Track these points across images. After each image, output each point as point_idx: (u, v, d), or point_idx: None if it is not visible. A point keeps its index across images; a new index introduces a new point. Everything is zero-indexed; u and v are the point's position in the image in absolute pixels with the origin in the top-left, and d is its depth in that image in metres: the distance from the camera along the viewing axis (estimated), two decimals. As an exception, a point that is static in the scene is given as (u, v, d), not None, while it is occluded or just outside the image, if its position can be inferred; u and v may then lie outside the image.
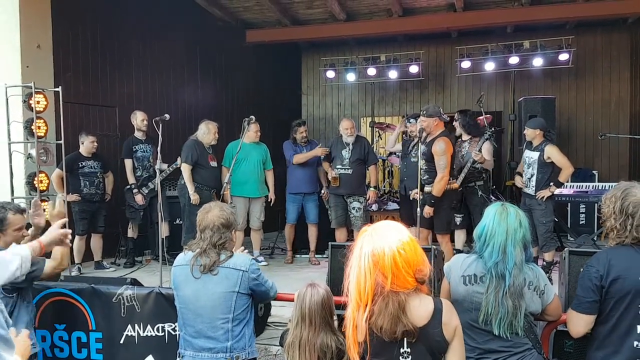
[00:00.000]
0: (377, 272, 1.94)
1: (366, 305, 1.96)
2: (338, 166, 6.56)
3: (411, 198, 5.69)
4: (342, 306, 2.46)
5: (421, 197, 5.34)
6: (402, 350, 1.97)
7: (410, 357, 1.97)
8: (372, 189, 6.76)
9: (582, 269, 2.65)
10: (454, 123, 6.37)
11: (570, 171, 5.70)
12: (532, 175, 5.77)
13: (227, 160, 6.53)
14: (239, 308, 2.81)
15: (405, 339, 1.96)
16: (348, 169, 6.53)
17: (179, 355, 2.91)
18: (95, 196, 6.40)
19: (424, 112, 5.56)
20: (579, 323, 2.52)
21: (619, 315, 2.41)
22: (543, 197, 5.64)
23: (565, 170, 5.63)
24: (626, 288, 2.38)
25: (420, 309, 1.97)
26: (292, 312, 2.76)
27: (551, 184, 5.66)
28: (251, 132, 6.42)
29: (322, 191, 6.99)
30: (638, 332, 2.39)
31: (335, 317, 2.74)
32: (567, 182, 5.89)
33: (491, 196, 6.28)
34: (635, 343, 2.39)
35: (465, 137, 6.26)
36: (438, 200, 5.35)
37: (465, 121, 6.28)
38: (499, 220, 2.49)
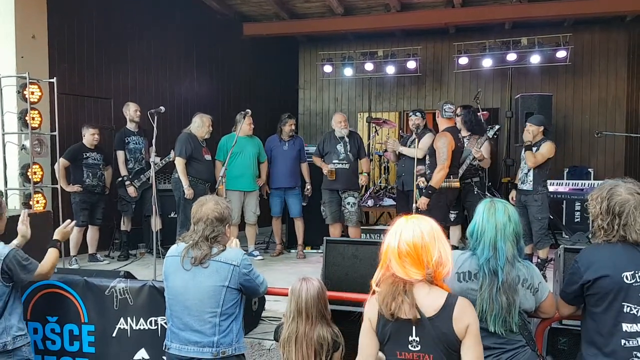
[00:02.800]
0: (388, 258, 2.10)
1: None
2: (335, 161, 6.55)
3: (416, 173, 5.74)
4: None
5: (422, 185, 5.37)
6: (410, 339, 2.05)
7: (419, 346, 2.05)
8: (364, 174, 6.78)
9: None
10: (456, 118, 6.30)
11: (530, 163, 5.64)
12: (529, 171, 5.74)
13: (221, 154, 6.51)
14: (227, 303, 2.78)
15: (414, 327, 2.04)
16: (345, 163, 6.52)
17: (165, 347, 2.89)
18: (97, 188, 6.39)
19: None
20: (564, 308, 2.64)
21: (602, 312, 2.41)
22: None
23: (531, 158, 5.61)
24: (609, 285, 2.38)
25: (428, 298, 2.06)
26: (287, 307, 2.75)
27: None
28: (245, 125, 6.39)
29: (307, 187, 6.94)
30: (624, 329, 2.37)
31: (329, 309, 2.74)
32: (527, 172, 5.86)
33: (487, 193, 6.25)
34: (623, 342, 2.37)
35: (464, 133, 6.21)
36: (435, 192, 5.33)
37: (468, 117, 6.23)
38: (488, 216, 2.50)
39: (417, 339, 2.05)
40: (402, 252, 2.06)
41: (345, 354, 2.74)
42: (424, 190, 5.51)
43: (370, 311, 2.15)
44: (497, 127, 6.34)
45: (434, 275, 2.08)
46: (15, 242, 3.27)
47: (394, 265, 2.08)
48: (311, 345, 2.58)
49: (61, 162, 5.98)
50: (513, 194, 6.04)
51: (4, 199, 3.13)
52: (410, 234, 2.08)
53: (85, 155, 6.30)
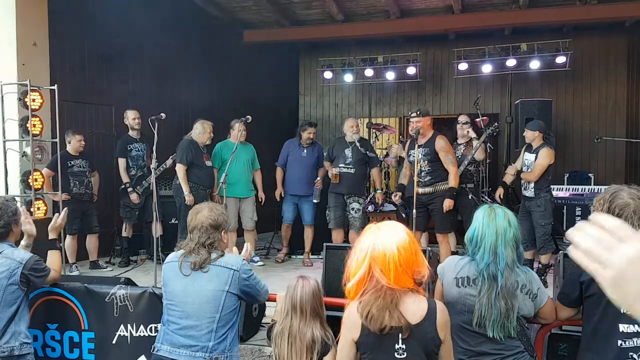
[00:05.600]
0: (375, 267, 2.00)
1: (357, 294, 2.06)
2: (341, 164, 6.51)
3: (393, 199, 5.83)
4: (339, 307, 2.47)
5: (401, 202, 5.45)
6: (397, 347, 2.03)
7: (405, 353, 2.03)
8: (379, 191, 6.81)
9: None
10: (459, 125, 6.39)
11: (531, 179, 5.65)
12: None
13: (216, 161, 6.53)
14: (227, 308, 2.78)
15: (399, 335, 2.01)
16: (351, 168, 6.49)
17: (153, 349, 2.84)
18: (85, 196, 6.31)
19: (418, 112, 5.60)
20: (562, 311, 2.67)
21: (600, 313, 2.43)
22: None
23: (530, 175, 5.63)
24: None
25: (414, 306, 2.03)
26: (281, 304, 2.75)
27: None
28: (243, 132, 6.37)
29: (316, 180, 6.82)
30: (620, 330, 2.39)
31: (324, 310, 2.74)
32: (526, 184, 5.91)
33: (484, 198, 6.28)
34: (620, 342, 2.38)
35: (460, 140, 6.29)
36: (440, 197, 5.46)
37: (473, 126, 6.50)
38: (488, 221, 2.52)
39: (404, 346, 2.02)
40: (401, 257, 1.98)
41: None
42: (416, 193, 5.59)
43: (351, 323, 2.07)
44: (495, 123, 6.43)
45: (422, 280, 2.06)
46: (23, 243, 3.30)
47: (385, 274, 1.98)
48: (304, 342, 2.58)
49: (45, 172, 5.84)
50: (500, 191, 6.00)
51: (19, 205, 3.16)
52: (403, 239, 2.02)
53: (70, 163, 6.18)
